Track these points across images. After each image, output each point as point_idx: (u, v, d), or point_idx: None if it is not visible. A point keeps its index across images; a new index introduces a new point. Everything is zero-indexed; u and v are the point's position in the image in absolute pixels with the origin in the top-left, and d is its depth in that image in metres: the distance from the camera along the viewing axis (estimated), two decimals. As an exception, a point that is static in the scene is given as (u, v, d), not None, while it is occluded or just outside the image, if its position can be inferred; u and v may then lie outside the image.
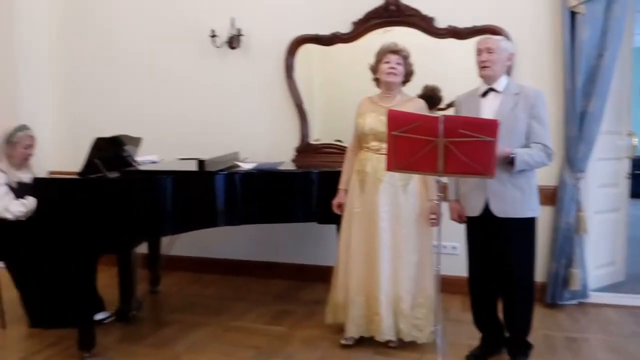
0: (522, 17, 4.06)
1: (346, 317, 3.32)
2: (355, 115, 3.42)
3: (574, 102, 3.86)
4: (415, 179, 3.27)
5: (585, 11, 3.78)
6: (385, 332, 3.24)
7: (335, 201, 3.44)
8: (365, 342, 3.34)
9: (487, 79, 2.95)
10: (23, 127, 3.71)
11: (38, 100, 5.13)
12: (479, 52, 2.95)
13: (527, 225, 2.95)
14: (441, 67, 4.22)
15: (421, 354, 3.24)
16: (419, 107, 3.29)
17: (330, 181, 3.50)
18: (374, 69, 3.38)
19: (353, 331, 3.31)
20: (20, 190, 3.58)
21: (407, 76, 3.36)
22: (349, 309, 3.30)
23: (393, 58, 3.29)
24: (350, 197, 3.36)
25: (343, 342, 3.34)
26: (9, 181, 3.57)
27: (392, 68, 3.27)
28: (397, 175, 3.17)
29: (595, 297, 4.12)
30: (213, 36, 4.60)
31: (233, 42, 4.60)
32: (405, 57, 3.32)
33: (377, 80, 3.39)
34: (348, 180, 3.41)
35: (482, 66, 2.93)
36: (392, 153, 2.64)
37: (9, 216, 3.45)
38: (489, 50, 2.91)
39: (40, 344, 3.39)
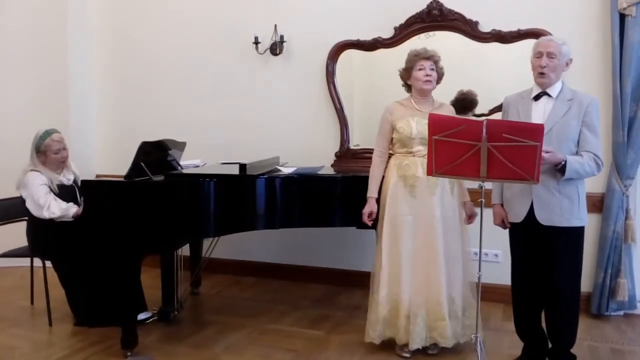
0: (568, 20, 3.96)
1: (407, 331, 3.16)
2: (384, 120, 3.34)
3: (622, 107, 3.75)
4: (455, 181, 3.22)
5: (635, 13, 3.67)
6: (451, 337, 3.16)
7: (367, 210, 3.28)
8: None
9: (543, 85, 2.85)
10: (47, 134, 3.70)
11: (86, 106, 5.27)
12: (539, 54, 2.82)
13: (574, 234, 2.85)
14: (485, 72, 4.17)
15: (461, 361, 3.20)
16: (450, 113, 3.27)
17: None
18: (405, 76, 3.32)
19: (417, 343, 3.17)
20: (62, 193, 3.67)
21: (439, 80, 3.32)
22: (411, 323, 3.16)
23: (427, 64, 3.23)
24: (394, 203, 3.23)
25: (406, 355, 3.22)
26: (49, 183, 3.64)
27: (428, 75, 3.22)
28: (446, 179, 3.12)
29: (643, 309, 3.99)
30: (256, 43, 4.65)
31: (275, 48, 4.65)
32: (436, 62, 3.27)
33: (407, 86, 3.35)
34: (378, 188, 3.31)
35: (540, 72, 2.80)
36: (434, 158, 2.61)
37: (46, 214, 3.53)
38: (550, 55, 2.79)
39: (84, 342, 3.47)
